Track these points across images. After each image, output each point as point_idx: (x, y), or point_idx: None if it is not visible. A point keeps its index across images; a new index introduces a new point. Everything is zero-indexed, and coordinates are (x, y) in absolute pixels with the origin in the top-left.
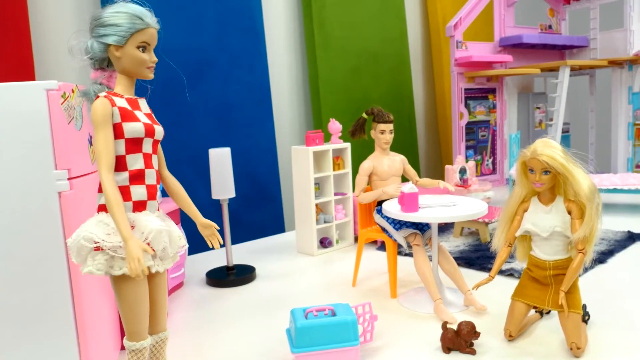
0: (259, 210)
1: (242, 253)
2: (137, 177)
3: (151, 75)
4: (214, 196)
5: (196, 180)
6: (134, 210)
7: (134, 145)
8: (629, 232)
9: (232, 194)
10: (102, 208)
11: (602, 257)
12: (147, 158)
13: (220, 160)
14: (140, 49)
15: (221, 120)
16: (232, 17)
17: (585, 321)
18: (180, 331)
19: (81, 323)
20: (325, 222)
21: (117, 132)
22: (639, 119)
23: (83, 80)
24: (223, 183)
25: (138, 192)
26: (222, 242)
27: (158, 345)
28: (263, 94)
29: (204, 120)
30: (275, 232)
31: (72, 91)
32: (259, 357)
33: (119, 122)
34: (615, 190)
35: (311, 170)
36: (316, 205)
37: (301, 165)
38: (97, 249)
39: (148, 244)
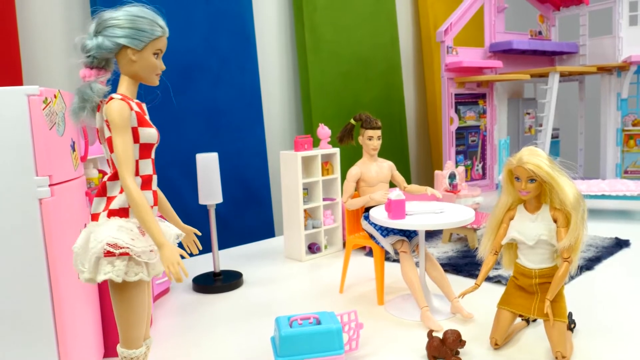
0: (249, 214)
1: (230, 258)
2: (148, 182)
3: (157, 82)
4: (201, 201)
5: (184, 185)
6: None
7: (146, 150)
8: (616, 238)
9: (220, 199)
10: (115, 213)
11: (589, 264)
12: (154, 164)
13: (208, 165)
14: (155, 56)
15: (211, 124)
16: (222, 20)
17: (571, 329)
18: (166, 338)
19: (61, 330)
20: (313, 227)
21: (133, 136)
22: (627, 125)
23: (72, 83)
24: (210, 188)
25: (147, 197)
26: (200, 247)
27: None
28: (253, 98)
29: (193, 124)
30: (265, 237)
31: (55, 96)
32: None
33: (136, 126)
34: (603, 197)
35: (300, 176)
36: (305, 210)
37: (290, 170)
38: (111, 254)
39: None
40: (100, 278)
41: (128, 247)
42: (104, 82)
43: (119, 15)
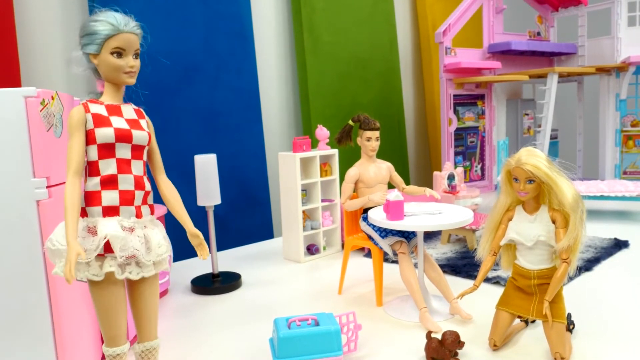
0: (247, 216)
1: (229, 260)
2: (109, 182)
3: (131, 81)
4: (200, 203)
5: (183, 186)
6: (103, 215)
7: (106, 150)
8: (615, 239)
9: (218, 201)
10: (83, 213)
11: (588, 265)
12: (123, 163)
13: (206, 166)
14: (115, 55)
15: (209, 126)
16: (220, 22)
17: (570, 330)
18: (164, 339)
19: (59, 332)
20: (312, 228)
21: (90, 137)
22: (626, 126)
23: (71, 86)
24: (208, 190)
25: (109, 197)
26: (209, 253)
27: (144, 354)
28: (252, 99)
29: (192, 126)
30: (264, 238)
31: (52, 98)
32: None
33: (92, 128)
34: (602, 197)
35: (298, 177)
36: (303, 211)
37: (288, 171)
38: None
39: (110, 249)
40: (52, 272)
41: (59, 247)
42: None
43: (83, 24)
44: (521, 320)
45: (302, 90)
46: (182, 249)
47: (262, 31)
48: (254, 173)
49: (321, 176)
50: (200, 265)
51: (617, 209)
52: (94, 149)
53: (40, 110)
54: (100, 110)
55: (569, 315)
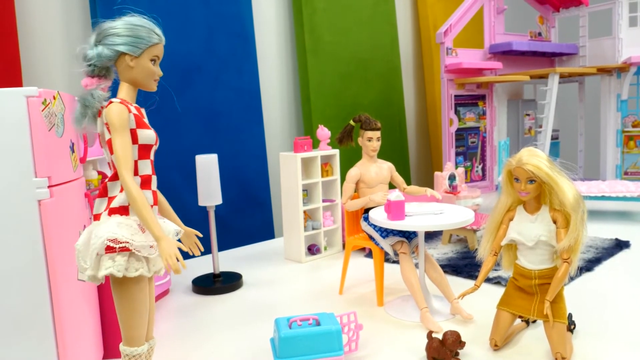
0: (248, 216)
1: (230, 260)
2: (147, 182)
3: (155, 88)
4: (201, 203)
5: (184, 187)
6: None
7: (145, 151)
8: (616, 239)
9: (219, 201)
10: (115, 211)
11: (589, 265)
12: (152, 165)
13: (207, 166)
14: (152, 62)
15: (210, 126)
16: (222, 22)
17: (571, 330)
18: (165, 340)
19: (61, 331)
20: (313, 228)
21: (132, 137)
22: (627, 126)
23: (71, 85)
24: (210, 190)
25: (146, 196)
26: (202, 249)
27: (147, 352)
28: (253, 100)
29: (193, 126)
30: (265, 238)
31: (54, 97)
32: None
33: (134, 128)
34: (603, 198)
35: (299, 177)
36: (304, 212)
37: (289, 171)
38: (112, 250)
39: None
40: (102, 273)
41: (128, 242)
42: (105, 90)
43: (117, 25)
44: (522, 320)
45: (303, 90)
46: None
47: (263, 32)
48: (255, 173)
49: (322, 176)
50: (202, 265)
51: (618, 210)
52: (135, 149)
53: (42, 110)
54: (136, 111)
55: (570, 316)
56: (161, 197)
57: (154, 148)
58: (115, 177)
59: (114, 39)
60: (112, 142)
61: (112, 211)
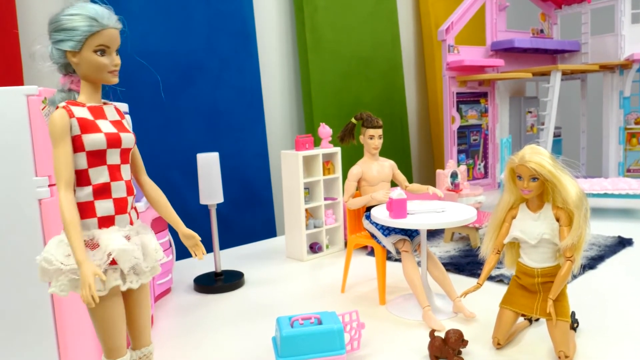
0: (250, 214)
1: (232, 258)
2: (102, 191)
3: (115, 80)
4: (202, 201)
5: (185, 185)
6: (99, 227)
7: (96, 157)
8: (619, 237)
9: (220, 199)
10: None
11: (592, 263)
12: (114, 170)
13: (209, 165)
14: (99, 53)
15: (212, 124)
16: (223, 21)
17: (574, 329)
18: (166, 339)
19: (61, 331)
20: (315, 227)
21: (77, 145)
22: (630, 124)
23: None
24: (211, 188)
25: (103, 207)
26: (205, 253)
27: (146, 357)
28: (254, 98)
29: (194, 124)
30: (266, 237)
31: None
32: None
33: (78, 134)
34: (606, 195)
35: (301, 175)
36: (306, 210)
37: (291, 169)
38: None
39: (113, 261)
40: (49, 291)
41: (57, 265)
42: (79, 85)
43: (58, 17)
44: (525, 319)
45: (305, 88)
46: (185, 248)
47: (264, 30)
48: (256, 171)
49: (324, 174)
50: (203, 264)
51: (621, 207)
52: (82, 157)
53: (42, 109)
54: (85, 113)
55: (573, 314)
56: (157, 196)
57: (117, 150)
58: None
59: (55, 35)
60: (52, 152)
61: (63, 227)
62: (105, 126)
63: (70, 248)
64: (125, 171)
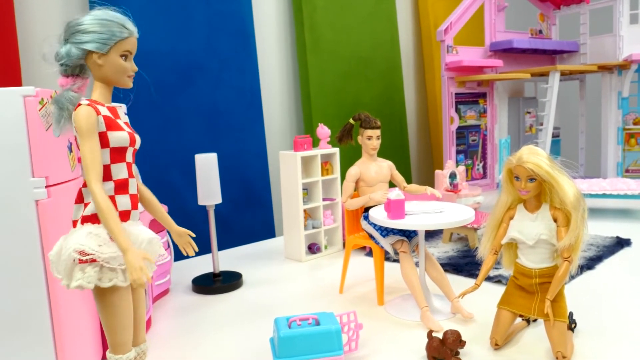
0: (249, 215)
1: (230, 259)
2: (122, 186)
3: (131, 84)
4: (200, 202)
5: (184, 186)
6: (124, 220)
7: (118, 154)
8: (617, 237)
9: (219, 200)
10: (87, 219)
11: (590, 263)
12: (129, 167)
13: (207, 165)
14: (123, 58)
15: (211, 125)
16: (222, 21)
17: (571, 329)
18: (164, 339)
19: (59, 333)
20: (313, 227)
21: (102, 141)
22: (628, 124)
23: None
24: (209, 189)
25: (123, 202)
26: (196, 249)
27: (139, 357)
28: (253, 98)
29: (193, 125)
30: (265, 237)
31: (51, 97)
32: None
33: (104, 130)
34: (604, 196)
35: (299, 176)
36: (304, 210)
37: (289, 170)
38: (84, 261)
39: None
40: (73, 285)
41: (94, 254)
42: (82, 89)
43: (84, 21)
44: (523, 319)
45: (304, 88)
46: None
47: (263, 30)
48: (255, 172)
49: (322, 175)
50: (201, 264)
51: (620, 207)
52: (106, 152)
53: (39, 110)
54: (107, 112)
55: (571, 314)
56: (150, 196)
57: (132, 149)
58: None
59: (80, 37)
60: (80, 147)
61: (84, 219)
62: (124, 126)
63: (114, 236)
64: (135, 170)
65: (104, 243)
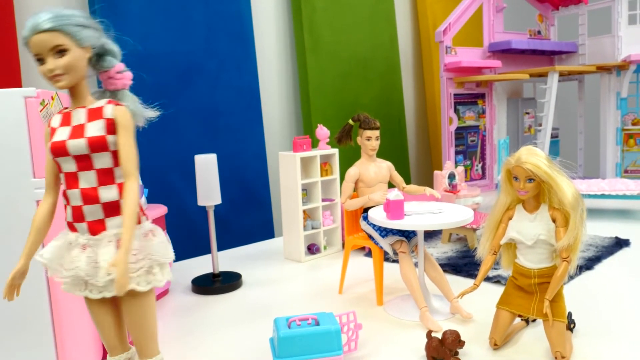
0: (248, 215)
1: (229, 259)
2: (65, 197)
3: (60, 85)
4: (200, 203)
5: (183, 187)
6: (71, 230)
7: (58, 165)
8: (616, 237)
9: (218, 201)
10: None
11: (589, 264)
12: (70, 177)
13: (206, 166)
14: (39, 62)
15: (210, 126)
16: (221, 22)
17: (570, 329)
18: (164, 340)
19: (60, 332)
20: (312, 228)
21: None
22: (627, 124)
23: None
24: (209, 189)
25: (68, 212)
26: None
27: None
28: (252, 99)
29: (193, 126)
30: (264, 238)
31: (52, 98)
32: None
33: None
34: (603, 196)
35: (298, 176)
36: (304, 211)
37: (288, 171)
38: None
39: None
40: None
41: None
42: (108, 82)
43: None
44: (522, 320)
45: (303, 89)
46: (183, 249)
47: (262, 31)
48: (254, 173)
49: (321, 176)
50: (201, 265)
51: (618, 208)
52: (51, 162)
53: (40, 111)
54: (56, 122)
55: (570, 314)
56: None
57: (69, 157)
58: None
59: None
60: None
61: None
62: (60, 134)
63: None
64: (87, 179)
65: (51, 249)
